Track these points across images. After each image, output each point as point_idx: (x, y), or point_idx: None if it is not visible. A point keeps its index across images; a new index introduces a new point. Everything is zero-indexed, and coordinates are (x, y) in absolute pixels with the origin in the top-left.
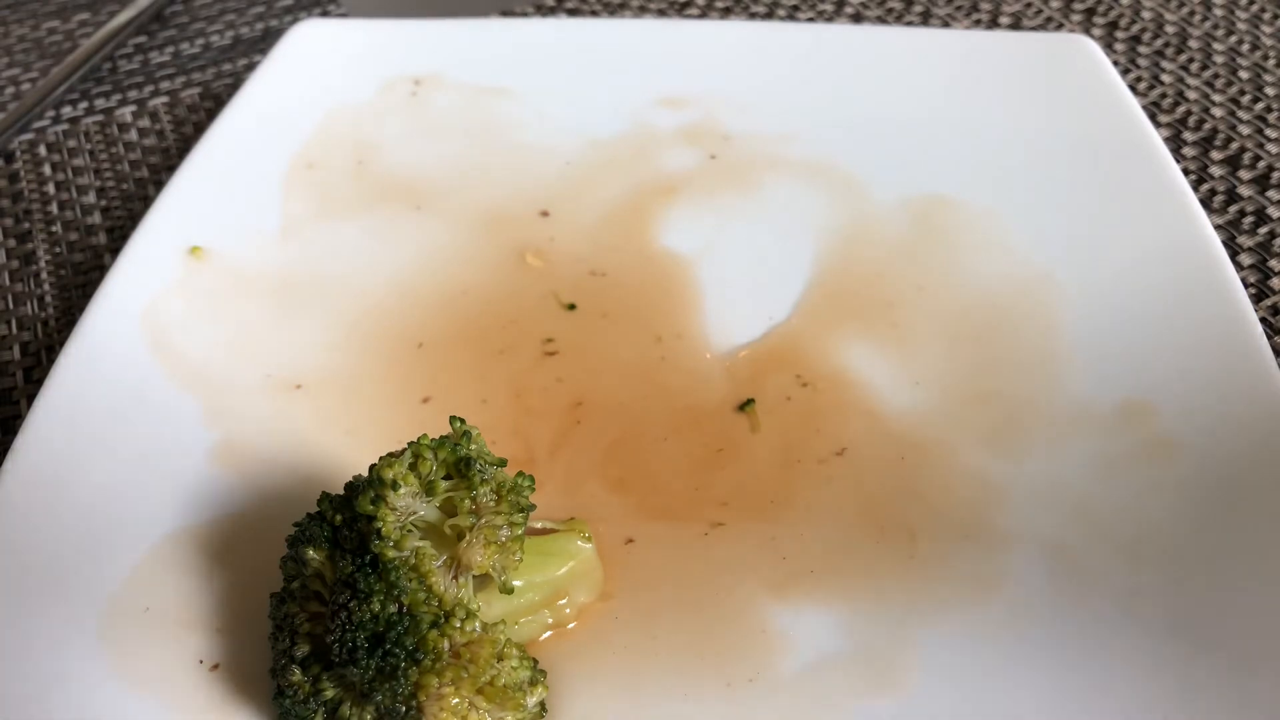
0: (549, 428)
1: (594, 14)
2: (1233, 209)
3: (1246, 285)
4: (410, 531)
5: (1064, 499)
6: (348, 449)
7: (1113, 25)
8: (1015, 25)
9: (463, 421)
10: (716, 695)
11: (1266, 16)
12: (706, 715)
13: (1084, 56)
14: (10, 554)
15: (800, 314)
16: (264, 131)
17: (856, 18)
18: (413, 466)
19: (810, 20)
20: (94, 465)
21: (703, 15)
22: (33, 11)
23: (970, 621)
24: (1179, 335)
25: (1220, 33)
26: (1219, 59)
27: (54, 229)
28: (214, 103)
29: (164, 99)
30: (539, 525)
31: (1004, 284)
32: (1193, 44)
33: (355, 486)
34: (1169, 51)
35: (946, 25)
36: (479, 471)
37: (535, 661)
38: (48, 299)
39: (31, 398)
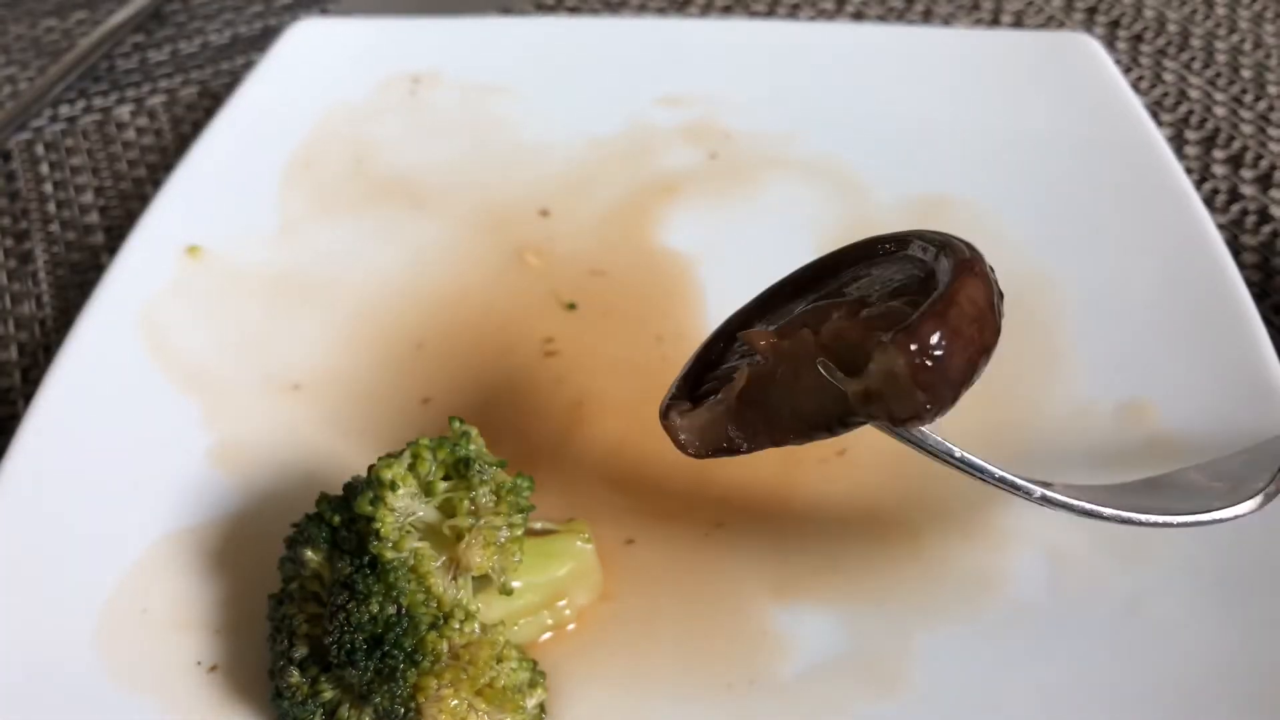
0: (549, 428)
1: (594, 12)
2: (1235, 208)
3: (1249, 284)
4: (409, 532)
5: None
6: (346, 449)
7: (1114, 24)
8: (1017, 24)
9: (462, 422)
10: (717, 697)
11: (1269, 15)
12: (707, 717)
13: (1086, 55)
14: (8, 555)
15: None
16: (262, 130)
17: (857, 16)
18: (411, 467)
19: (811, 19)
20: (91, 466)
21: (703, 14)
22: (30, 10)
23: (971, 622)
24: (1181, 335)
25: (1222, 31)
26: (1221, 58)
27: (51, 228)
28: (212, 101)
29: (162, 97)
30: (538, 526)
31: (1005, 283)
32: (1195, 43)
33: (354, 487)
34: (1171, 50)
35: (948, 24)
36: (478, 472)
37: (535, 663)
38: (45, 299)
39: (29, 398)
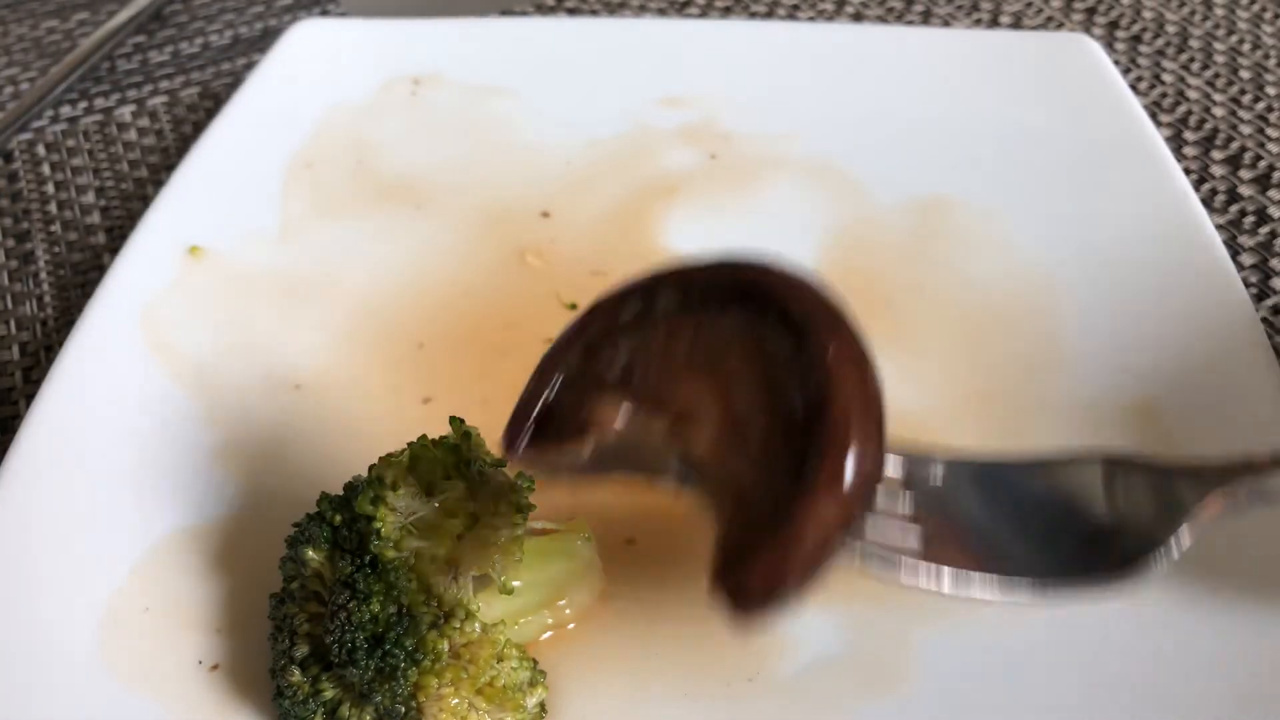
0: None
1: (594, 13)
2: (1234, 209)
3: (1248, 285)
4: (410, 532)
5: None
6: (347, 449)
7: (1113, 25)
8: (1016, 25)
9: (463, 422)
10: (716, 695)
11: (1268, 16)
12: (706, 715)
13: (1085, 56)
14: (10, 554)
15: None
16: (263, 131)
17: (857, 17)
18: (412, 467)
19: (810, 20)
20: (93, 465)
21: (703, 15)
22: (31, 10)
23: (969, 621)
24: (1180, 335)
25: (1221, 32)
26: (1220, 58)
27: (53, 229)
28: (213, 102)
29: (163, 98)
30: (539, 525)
31: (1004, 284)
32: (1194, 43)
33: (355, 487)
34: (1170, 51)
35: (947, 25)
36: (479, 472)
37: (535, 662)
38: (46, 299)
39: (30, 398)
